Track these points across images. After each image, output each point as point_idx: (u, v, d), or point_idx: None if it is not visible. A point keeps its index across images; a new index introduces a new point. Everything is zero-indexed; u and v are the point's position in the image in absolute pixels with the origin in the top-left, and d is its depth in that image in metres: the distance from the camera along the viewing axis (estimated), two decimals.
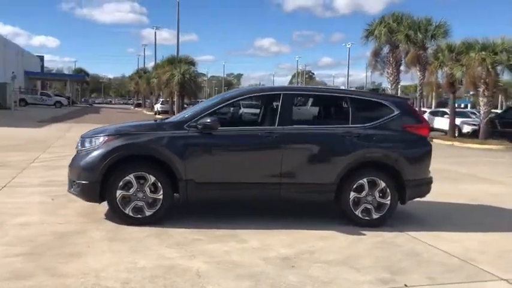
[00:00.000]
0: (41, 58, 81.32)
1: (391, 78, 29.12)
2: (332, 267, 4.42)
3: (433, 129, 29.24)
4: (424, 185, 6.12)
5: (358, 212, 5.85)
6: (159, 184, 5.50)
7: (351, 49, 73.07)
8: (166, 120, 6.04)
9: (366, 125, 5.94)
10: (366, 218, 5.87)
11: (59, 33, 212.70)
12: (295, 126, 5.85)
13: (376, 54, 29.48)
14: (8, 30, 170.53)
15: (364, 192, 5.85)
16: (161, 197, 5.52)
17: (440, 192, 8.55)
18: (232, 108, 8.29)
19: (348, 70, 66.71)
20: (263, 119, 6.37)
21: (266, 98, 6.46)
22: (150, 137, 5.54)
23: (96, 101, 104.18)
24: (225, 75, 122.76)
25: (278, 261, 4.53)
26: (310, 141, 5.84)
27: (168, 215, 5.72)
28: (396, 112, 6.10)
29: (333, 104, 6.47)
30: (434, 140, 23.72)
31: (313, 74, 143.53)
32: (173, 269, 4.18)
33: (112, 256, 4.46)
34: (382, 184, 5.86)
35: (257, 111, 7.44)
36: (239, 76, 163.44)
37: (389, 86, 29.74)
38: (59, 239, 4.92)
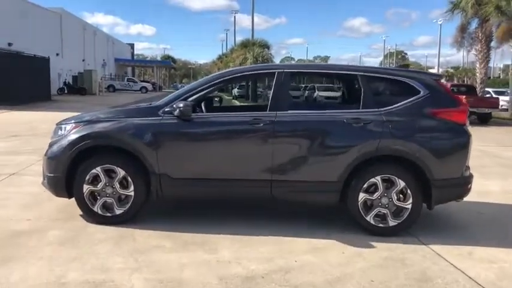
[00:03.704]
0: (131, 45, 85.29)
1: (480, 56, 26.19)
2: None
3: None
4: (458, 185, 4.81)
5: (369, 218, 4.72)
6: (129, 179, 4.80)
7: (447, 26, 67.50)
8: (143, 105, 5.29)
9: (381, 109, 4.75)
10: (380, 225, 4.73)
11: (155, 22, 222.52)
12: (290, 112, 4.82)
13: (462, 29, 26.67)
14: (109, 20, 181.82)
15: (377, 193, 4.70)
16: (132, 193, 4.82)
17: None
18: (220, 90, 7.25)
19: (439, 48, 61.68)
20: (253, 103, 5.37)
21: (257, 78, 5.48)
22: (119, 125, 4.82)
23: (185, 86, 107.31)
24: (312, 58, 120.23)
25: (236, 282, 3.62)
26: (308, 130, 4.78)
27: (145, 211, 5.03)
28: (423, 93, 4.83)
29: (339, 84, 5.31)
30: None
31: (406, 54, 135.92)
32: None
33: (43, 265, 3.81)
34: (401, 184, 4.67)
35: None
36: (326, 58, 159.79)
37: (478, 65, 26.82)
38: (9, 239, 4.41)
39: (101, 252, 4.14)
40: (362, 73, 4.94)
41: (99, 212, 4.85)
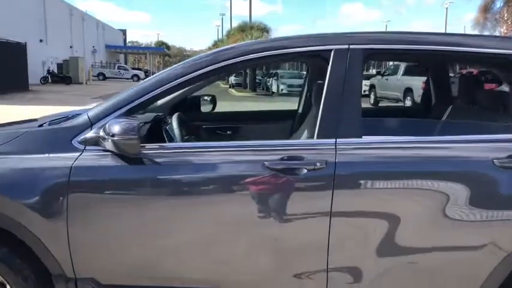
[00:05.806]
0: (124, 32, 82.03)
1: None
2: None
3: None
4: None
5: None
6: None
7: (452, 10, 64.58)
8: (45, 126, 2.58)
9: None
10: None
11: (150, 8, 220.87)
12: (366, 139, 2.17)
13: (485, 9, 24.01)
14: (103, 7, 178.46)
15: None
16: None
17: None
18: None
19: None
20: (282, 117, 2.74)
21: (292, 60, 2.34)
22: None
23: None
24: None
25: None
26: (411, 181, 2.13)
27: None
28: None
29: (465, 77, 2.67)
30: None
31: None
32: None
33: None
34: None
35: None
36: None
37: None
38: None
39: None
40: None
41: None
